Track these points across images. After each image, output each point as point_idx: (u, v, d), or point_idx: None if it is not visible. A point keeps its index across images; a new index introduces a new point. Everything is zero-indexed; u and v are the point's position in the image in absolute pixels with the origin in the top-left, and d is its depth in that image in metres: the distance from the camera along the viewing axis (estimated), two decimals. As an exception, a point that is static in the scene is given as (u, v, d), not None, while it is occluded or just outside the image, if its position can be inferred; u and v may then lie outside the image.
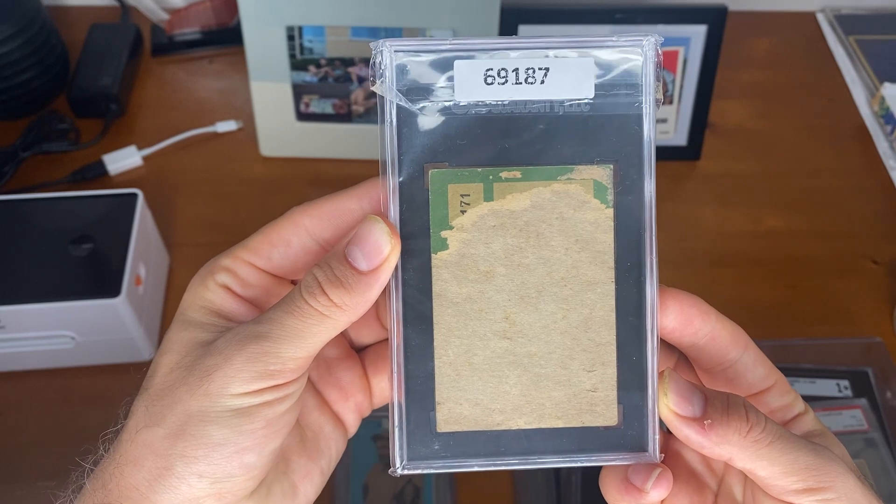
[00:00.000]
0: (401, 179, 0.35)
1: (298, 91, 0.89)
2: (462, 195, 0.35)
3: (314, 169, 0.91)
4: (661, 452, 0.36)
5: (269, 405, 0.34)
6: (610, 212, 0.35)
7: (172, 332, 0.36)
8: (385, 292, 0.35)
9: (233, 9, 1.04)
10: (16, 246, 0.73)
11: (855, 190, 0.94)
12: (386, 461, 0.69)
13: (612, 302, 0.36)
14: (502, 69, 0.34)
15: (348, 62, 0.87)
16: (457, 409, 0.36)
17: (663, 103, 0.92)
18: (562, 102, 0.35)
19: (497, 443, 0.36)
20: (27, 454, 0.70)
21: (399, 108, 0.35)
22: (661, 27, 0.89)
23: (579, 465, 0.36)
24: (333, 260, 0.34)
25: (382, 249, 0.34)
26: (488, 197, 0.35)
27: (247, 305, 0.37)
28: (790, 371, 0.76)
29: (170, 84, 1.02)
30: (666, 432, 0.36)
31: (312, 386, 0.40)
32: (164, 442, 0.33)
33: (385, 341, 0.42)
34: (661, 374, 0.35)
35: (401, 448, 0.36)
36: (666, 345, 0.38)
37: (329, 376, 0.40)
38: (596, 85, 0.35)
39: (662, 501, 0.37)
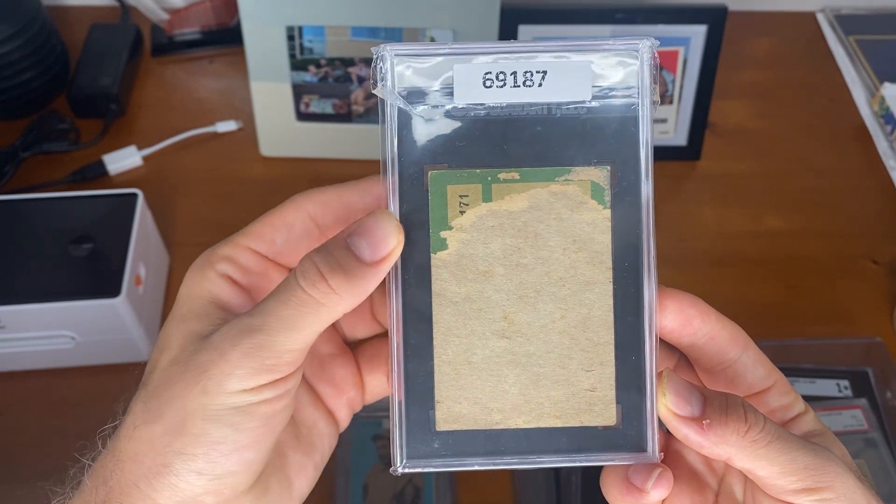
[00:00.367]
0: (401, 180, 0.35)
1: (298, 91, 0.89)
2: (461, 196, 0.35)
3: (314, 169, 0.91)
4: (661, 452, 0.36)
5: (269, 402, 0.34)
6: (607, 212, 0.36)
7: (171, 327, 0.36)
8: (384, 289, 0.35)
9: (233, 9, 1.04)
10: (16, 246, 0.73)
11: (855, 190, 0.94)
12: (386, 461, 0.70)
13: (610, 302, 0.36)
14: (501, 72, 0.35)
15: (348, 62, 0.87)
16: (456, 408, 0.36)
17: (663, 103, 0.92)
18: (559, 105, 0.35)
19: (496, 442, 0.36)
20: (27, 454, 0.70)
21: (399, 110, 0.35)
22: (661, 27, 0.89)
23: (578, 464, 0.36)
24: (334, 247, 0.34)
25: (389, 242, 0.34)
26: (487, 198, 0.36)
27: (248, 296, 0.37)
28: (790, 371, 0.76)
29: (170, 84, 1.02)
30: (666, 432, 0.36)
31: (306, 382, 0.40)
32: (163, 439, 0.33)
33: (379, 337, 0.42)
34: (659, 374, 0.35)
35: (401, 447, 0.36)
36: (667, 345, 0.38)
37: (322, 372, 0.40)
38: (593, 88, 0.35)
39: (663, 501, 0.37)
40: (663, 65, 0.91)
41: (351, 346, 0.42)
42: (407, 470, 0.36)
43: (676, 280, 0.85)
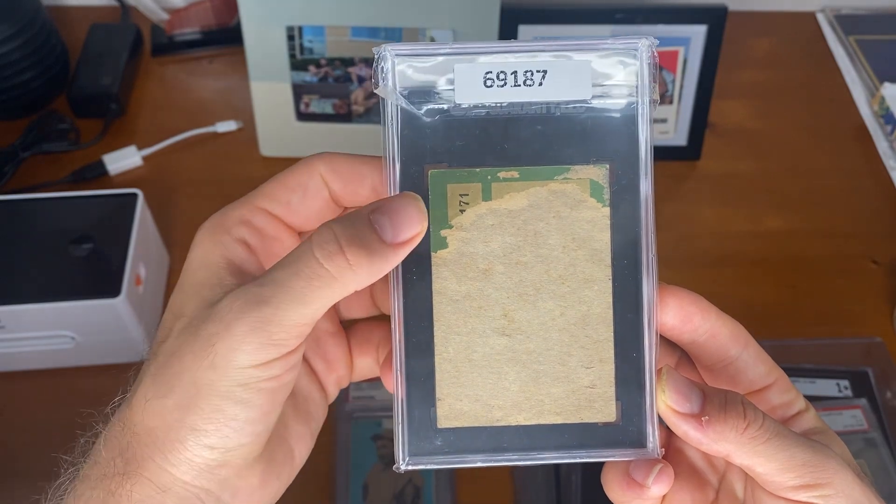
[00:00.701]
0: (401, 179, 0.35)
1: (298, 91, 0.89)
2: (461, 195, 0.36)
3: (314, 169, 0.91)
4: (661, 448, 0.36)
5: (277, 378, 0.33)
6: (606, 210, 0.36)
7: (186, 294, 0.35)
8: (387, 284, 0.36)
9: (233, 9, 1.04)
10: (16, 246, 0.73)
11: (855, 190, 0.94)
12: (386, 461, 0.70)
13: (610, 299, 0.36)
14: (501, 72, 0.35)
15: (348, 62, 0.87)
16: (457, 406, 0.36)
17: (663, 103, 0.92)
18: (559, 104, 0.35)
19: (497, 439, 0.36)
20: (27, 454, 0.70)
21: (400, 110, 0.35)
22: (661, 27, 0.89)
23: (578, 461, 0.36)
24: (356, 221, 0.33)
25: (413, 227, 0.33)
26: (487, 196, 0.36)
27: (264, 261, 0.37)
28: (790, 371, 0.75)
29: (170, 84, 1.02)
30: (668, 429, 0.36)
31: (303, 355, 0.40)
32: (174, 414, 0.33)
33: (371, 319, 0.42)
34: (658, 370, 0.35)
35: (403, 444, 0.36)
36: (668, 342, 0.38)
37: (318, 348, 0.40)
38: (593, 86, 0.35)
39: (664, 497, 0.37)
40: (663, 65, 0.91)
41: (344, 325, 0.42)
42: (409, 467, 0.36)
43: (676, 280, 0.84)
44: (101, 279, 0.70)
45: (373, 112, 0.91)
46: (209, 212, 0.38)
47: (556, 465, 0.69)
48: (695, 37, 0.90)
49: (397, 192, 0.35)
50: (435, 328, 0.36)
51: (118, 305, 0.69)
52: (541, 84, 0.35)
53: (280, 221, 0.37)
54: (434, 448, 0.36)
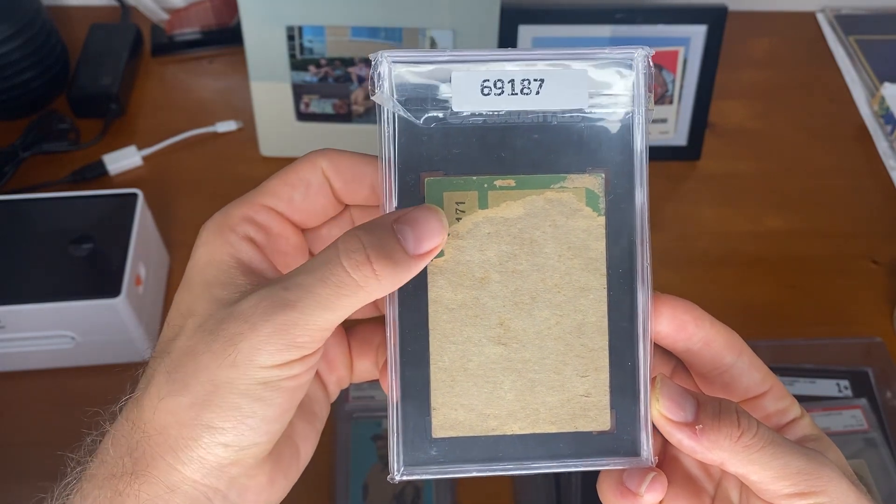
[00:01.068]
0: (397, 187, 0.35)
1: (298, 91, 0.89)
2: (457, 203, 0.36)
3: (314, 169, 0.91)
4: (656, 457, 0.36)
5: (296, 377, 0.34)
6: (602, 220, 0.36)
7: (195, 291, 0.35)
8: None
9: (233, 9, 1.04)
10: (16, 246, 0.73)
11: (855, 190, 0.94)
12: (386, 461, 0.70)
13: (605, 308, 0.36)
14: (499, 80, 0.35)
15: (348, 62, 0.87)
16: (452, 415, 0.36)
17: (663, 103, 0.92)
18: (556, 113, 0.35)
19: (492, 448, 0.36)
20: (27, 454, 0.70)
21: (397, 117, 0.35)
22: (661, 27, 0.89)
23: (573, 469, 0.36)
24: (381, 231, 0.33)
25: (434, 239, 0.34)
26: (483, 205, 0.36)
27: (270, 258, 0.37)
28: (790, 371, 0.76)
29: (170, 84, 1.02)
30: (663, 437, 0.36)
31: None
32: (190, 412, 0.33)
33: (371, 321, 0.42)
34: (653, 379, 0.35)
35: (397, 454, 0.36)
36: (664, 351, 0.38)
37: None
38: (589, 96, 0.35)
39: None
40: (663, 65, 0.91)
41: (344, 326, 0.42)
42: (404, 477, 0.36)
43: (676, 280, 0.85)
44: (101, 279, 0.70)
45: (373, 112, 0.90)
46: (209, 212, 0.38)
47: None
48: (695, 37, 0.90)
49: (394, 200, 0.35)
50: (430, 337, 0.36)
51: (118, 305, 0.69)
52: (538, 93, 0.35)
53: (284, 218, 0.37)
54: (429, 458, 0.36)
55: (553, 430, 0.36)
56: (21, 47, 0.90)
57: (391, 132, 0.35)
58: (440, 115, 0.35)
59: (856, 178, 0.95)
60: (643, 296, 0.36)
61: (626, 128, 0.36)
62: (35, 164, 0.91)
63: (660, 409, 0.34)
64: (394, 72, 0.35)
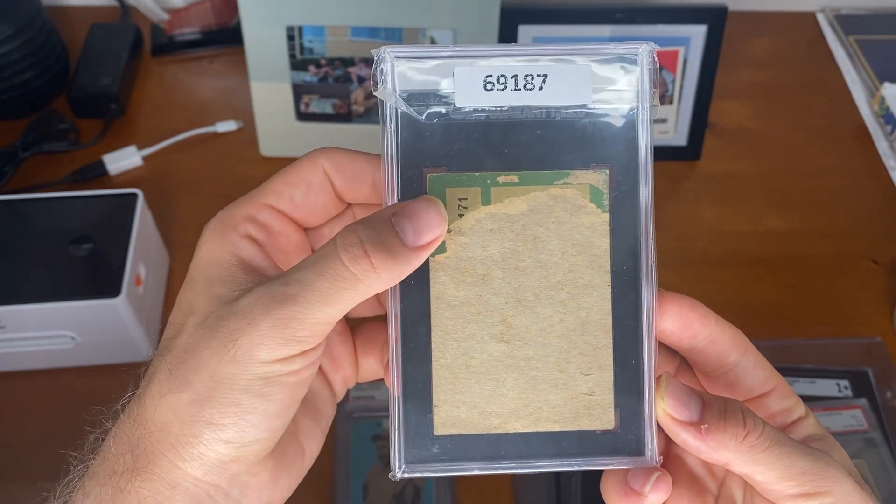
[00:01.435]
0: (400, 183, 0.35)
1: (298, 91, 0.89)
2: (460, 199, 0.35)
3: (314, 169, 0.91)
4: (660, 456, 0.36)
5: (296, 372, 0.33)
6: (606, 216, 0.36)
7: (196, 290, 0.35)
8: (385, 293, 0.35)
9: (233, 9, 1.04)
10: (16, 246, 0.73)
11: (855, 190, 0.94)
12: (386, 461, 0.70)
13: (609, 305, 0.36)
14: (502, 76, 0.35)
15: (348, 62, 0.87)
16: (454, 413, 0.36)
17: (663, 103, 0.92)
18: (559, 108, 0.35)
19: (494, 446, 0.36)
20: (27, 454, 0.70)
21: (399, 112, 0.35)
22: (661, 27, 0.89)
23: (576, 468, 0.36)
24: (379, 224, 0.33)
25: (434, 231, 0.34)
26: (486, 201, 0.35)
27: (271, 257, 0.37)
28: (790, 371, 0.76)
29: (170, 84, 1.02)
30: (667, 436, 0.36)
31: None
32: (190, 408, 0.33)
33: (376, 319, 0.42)
34: (658, 378, 0.35)
35: (399, 451, 0.36)
36: (668, 349, 0.38)
37: (325, 347, 0.40)
38: (593, 91, 0.35)
39: None
40: (663, 65, 0.91)
41: (350, 324, 0.42)
42: (406, 475, 0.36)
43: (676, 280, 0.85)
44: (101, 279, 0.70)
45: (373, 112, 0.91)
46: (209, 212, 0.38)
47: (556, 467, 0.69)
48: (695, 37, 0.90)
49: (397, 195, 0.35)
50: (432, 334, 0.36)
51: (118, 305, 0.69)
52: (541, 88, 0.35)
53: (285, 217, 0.37)
54: (430, 456, 0.36)
55: (556, 428, 0.36)
56: (21, 47, 0.90)
57: (394, 128, 0.35)
58: (443, 110, 0.35)
59: (856, 178, 0.95)
60: (648, 293, 0.36)
61: (631, 124, 0.35)
62: (35, 164, 0.91)
63: (665, 409, 0.34)
64: (396, 67, 0.35)
